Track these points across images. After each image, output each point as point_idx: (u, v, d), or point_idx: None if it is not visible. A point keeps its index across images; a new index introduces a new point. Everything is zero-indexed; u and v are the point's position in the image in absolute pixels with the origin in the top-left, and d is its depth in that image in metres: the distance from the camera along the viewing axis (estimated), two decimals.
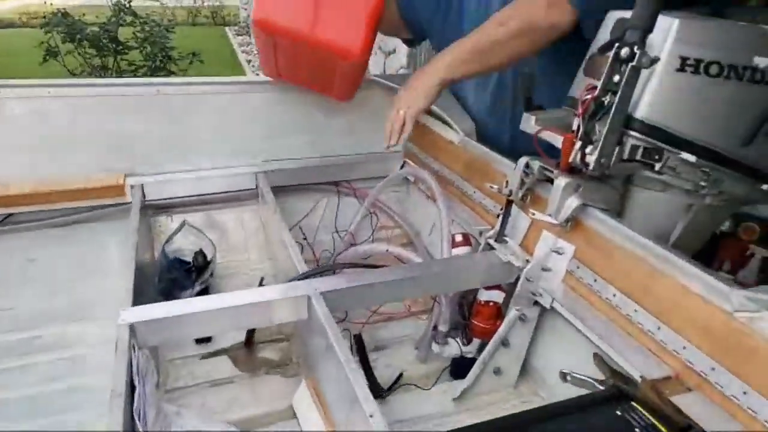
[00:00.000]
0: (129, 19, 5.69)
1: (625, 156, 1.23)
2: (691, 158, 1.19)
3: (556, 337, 1.40)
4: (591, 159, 1.19)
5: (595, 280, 1.21)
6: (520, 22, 1.41)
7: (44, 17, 5.64)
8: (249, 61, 9.80)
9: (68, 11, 5.59)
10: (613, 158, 1.21)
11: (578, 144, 1.21)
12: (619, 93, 1.14)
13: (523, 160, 1.39)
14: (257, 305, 1.23)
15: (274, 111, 2.03)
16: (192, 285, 1.73)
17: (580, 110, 1.21)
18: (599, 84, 1.18)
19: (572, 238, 1.29)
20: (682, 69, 1.15)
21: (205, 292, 1.80)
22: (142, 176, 1.93)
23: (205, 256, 1.84)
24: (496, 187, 1.43)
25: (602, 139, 1.18)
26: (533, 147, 1.34)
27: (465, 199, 1.75)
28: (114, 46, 5.58)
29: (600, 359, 1.19)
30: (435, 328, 1.50)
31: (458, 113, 1.92)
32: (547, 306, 1.32)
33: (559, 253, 1.31)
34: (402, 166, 2.17)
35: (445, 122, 1.93)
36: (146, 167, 1.95)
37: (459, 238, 1.62)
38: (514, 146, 1.55)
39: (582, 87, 1.24)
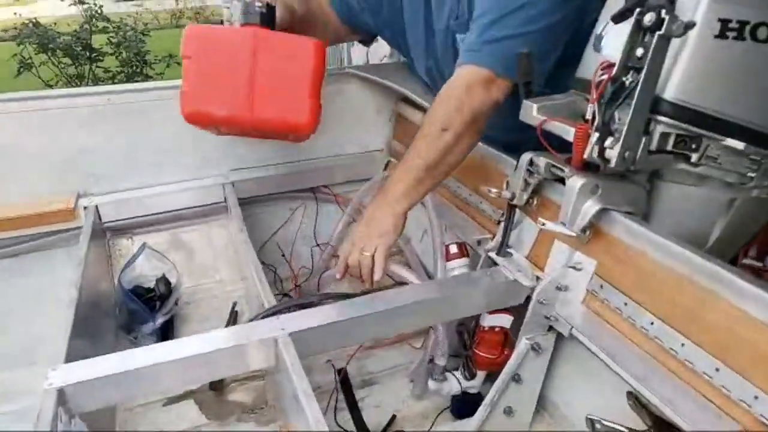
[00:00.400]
0: (102, 25, 5.43)
1: (654, 147, 1.00)
2: (739, 145, 0.96)
3: (577, 367, 1.18)
4: (612, 153, 0.97)
5: (626, 304, 0.98)
6: (464, 118, 1.20)
7: (15, 28, 5.39)
8: None
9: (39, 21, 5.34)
10: (640, 150, 0.98)
11: (595, 135, 0.98)
12: (645, 70, 0.91)
13: (526, 156, 1.16)
14: (214, 354, 1.00)
15: None
16: (153, 318, 1.50)
17: (594, 95, 0.98)
18: (617, 61, 0.96)
19: (592, 250, 1.07)
20: (722, 35, 0.92)
21: (169, 323, 1.57)
22: (97, 196, 1.70)
23: (168, 283, 1.62)
24: (495, 190, 1.20)
25: (625, 127, 0.95)
26: (535, 140, 1.11)
27: (459, 202, 1.52)
28: (87, 53, 5.32)
29: (636, 400, 0.97)
30: (431, 360, 1.27)
31: None
32: (565, 334, 1.10)
33: (577, 269, 1.08)
34: (386, 167, 1.94)
35: None
36: (101, 186, 1.72)
37: (454, 249, 1.38)
38: (511, 140, 1.32)
39: (595, 66, 1.01)
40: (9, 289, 1.64)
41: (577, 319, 1.07)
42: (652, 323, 0.93)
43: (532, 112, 1.12)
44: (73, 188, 1.68)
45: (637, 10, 0.90)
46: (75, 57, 5.32)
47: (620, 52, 0.96)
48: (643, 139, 0.98)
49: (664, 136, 1.00)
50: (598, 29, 1.14)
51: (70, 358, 1.11)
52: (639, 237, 0.98)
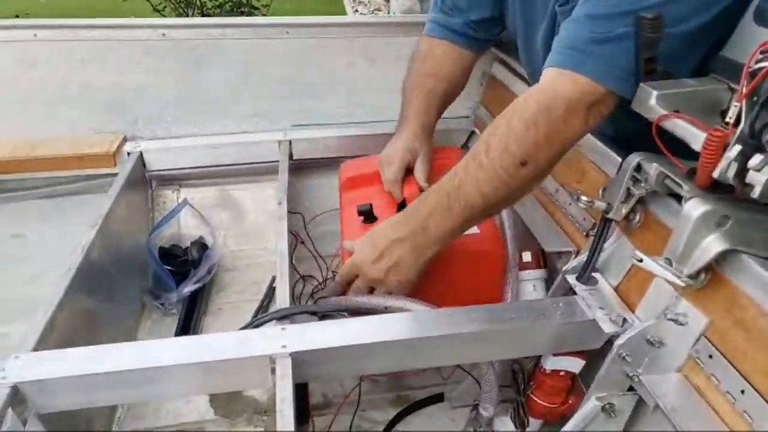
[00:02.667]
0: None
1: None
2: None
3: None
4: (759, 177, 0.66)
5: (743, 392, 0.69)
6: (554, 150, 0.88)
7: None
8: None
9: None
10: None
11: (735, 149, 0.68)
12: None
13: (633, 159, 0.87)
14: (199, 367, 0.82)
15: (308, 62, 1.59)
16: (178, 286, 1.36)
17: (744, 89, 0.68)
18: None
19: (706, 301, 0.77)
20: None
21: (201, 293, 1.43)
22: (145, 141, 1.57)
23: (204, 248, 1.47)
24: (586, 198, 0.91)
25: None
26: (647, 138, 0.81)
27: (542, 197, 1.24)
28: None
29: None
30: (474, 408, 1.02)
31: None
32: (650, 405, 0.82)
33: (680, 323, 0.79)
34: (468, 139, 1.67)
35: (527, 83, 1.40)
36: (150, 130, 1.59)
37: (527, 257, 1.13)
38: (621, 129, 1.02)
39: (753, 45, 0.69)
40: (38, 232, 1.55)
41: (668, 392, 0.79)
42: None
43: (649, 100, 0.82)
44: (120, 129, 1.57)
45: None
46: None
47: None
48: None
49: None
50: None
51: (51, 334, 0.96)
52: None
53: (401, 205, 1.09)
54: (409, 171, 1.23)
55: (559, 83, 0.87)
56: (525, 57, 1.27)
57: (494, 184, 0.89)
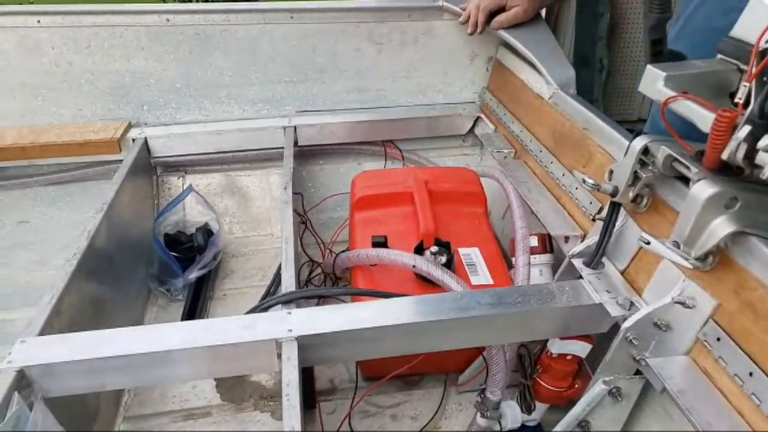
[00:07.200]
0: None
1: None
2: None
3: (668, 424, 0.89)
4: None
5: (751, 374, 0.69)
6: None
7: None
8: None
9: None
10: None
11: (744, 129, 0.67)
12: None
13: (639, 141, 0.86)
14: (199, 351, 0.82)
15: (313, 47, 1.58)
16: (184, 273, 1.36)
17: (754, 68, 0.67)
18: None
19: (714, 284, 0.77)
20: None
21: (206, 279, 1.43)
22: (150, 127, 1.57)
23: (208, 234, 1.46)
24: (591, 181, 0.91)
25: None
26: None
27: (550, 182, 1.23)
28: None
29: None
30: (481, 393, 1.02)
31: (553, 56, 1.36)
32: (657, 388, 0.82)
33: (687, 306, 0.79)
34: (474, 125, 1.66)
35: (533, 67, 1.39)
36: (154, 116, 1.59)
37: (534, 242, 1.12)
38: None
39: (761, 24, 0.68)
40: (43, 218, 1.56)
41: (675, 375, 0.78)
42: None
43: (656, 83, 0.81)
44: (125, 116, 1.57)
45: None
46: None
47: None
48: None
49: None
50: None
51: (57, 319, 0.96)
52: None
53: (418, 247, 1.08)
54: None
55: None
56: None
57: None
